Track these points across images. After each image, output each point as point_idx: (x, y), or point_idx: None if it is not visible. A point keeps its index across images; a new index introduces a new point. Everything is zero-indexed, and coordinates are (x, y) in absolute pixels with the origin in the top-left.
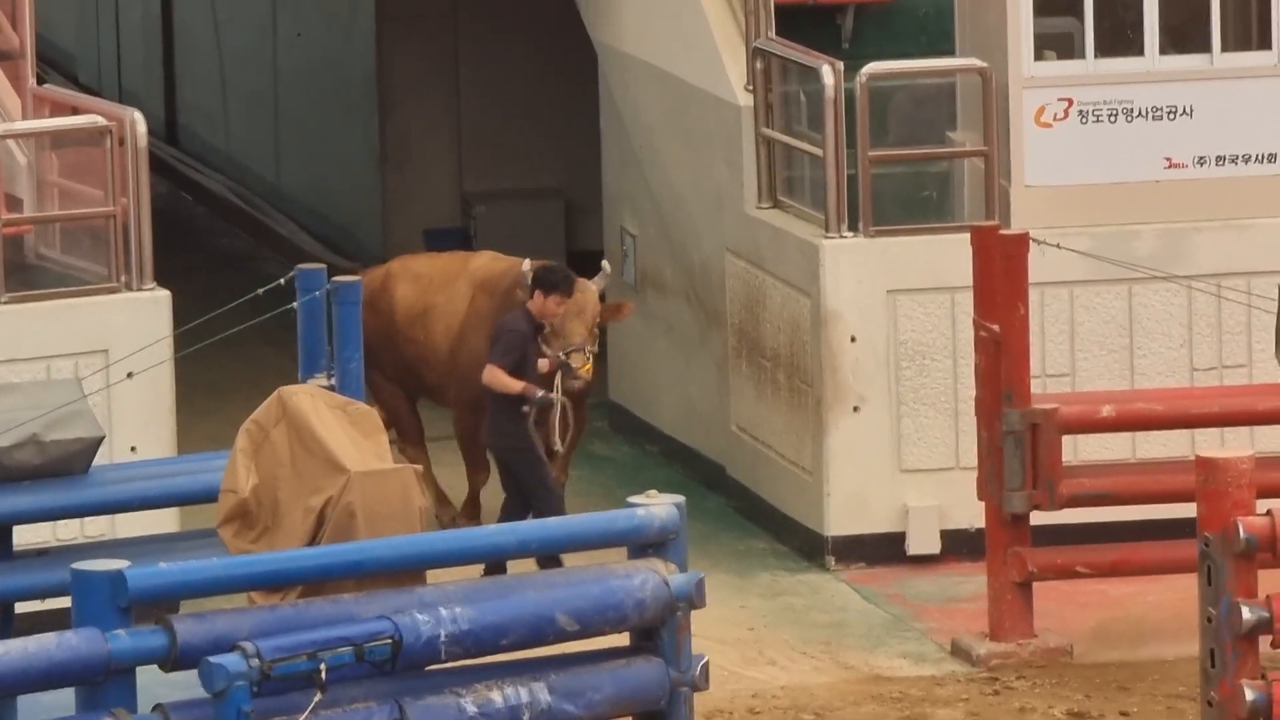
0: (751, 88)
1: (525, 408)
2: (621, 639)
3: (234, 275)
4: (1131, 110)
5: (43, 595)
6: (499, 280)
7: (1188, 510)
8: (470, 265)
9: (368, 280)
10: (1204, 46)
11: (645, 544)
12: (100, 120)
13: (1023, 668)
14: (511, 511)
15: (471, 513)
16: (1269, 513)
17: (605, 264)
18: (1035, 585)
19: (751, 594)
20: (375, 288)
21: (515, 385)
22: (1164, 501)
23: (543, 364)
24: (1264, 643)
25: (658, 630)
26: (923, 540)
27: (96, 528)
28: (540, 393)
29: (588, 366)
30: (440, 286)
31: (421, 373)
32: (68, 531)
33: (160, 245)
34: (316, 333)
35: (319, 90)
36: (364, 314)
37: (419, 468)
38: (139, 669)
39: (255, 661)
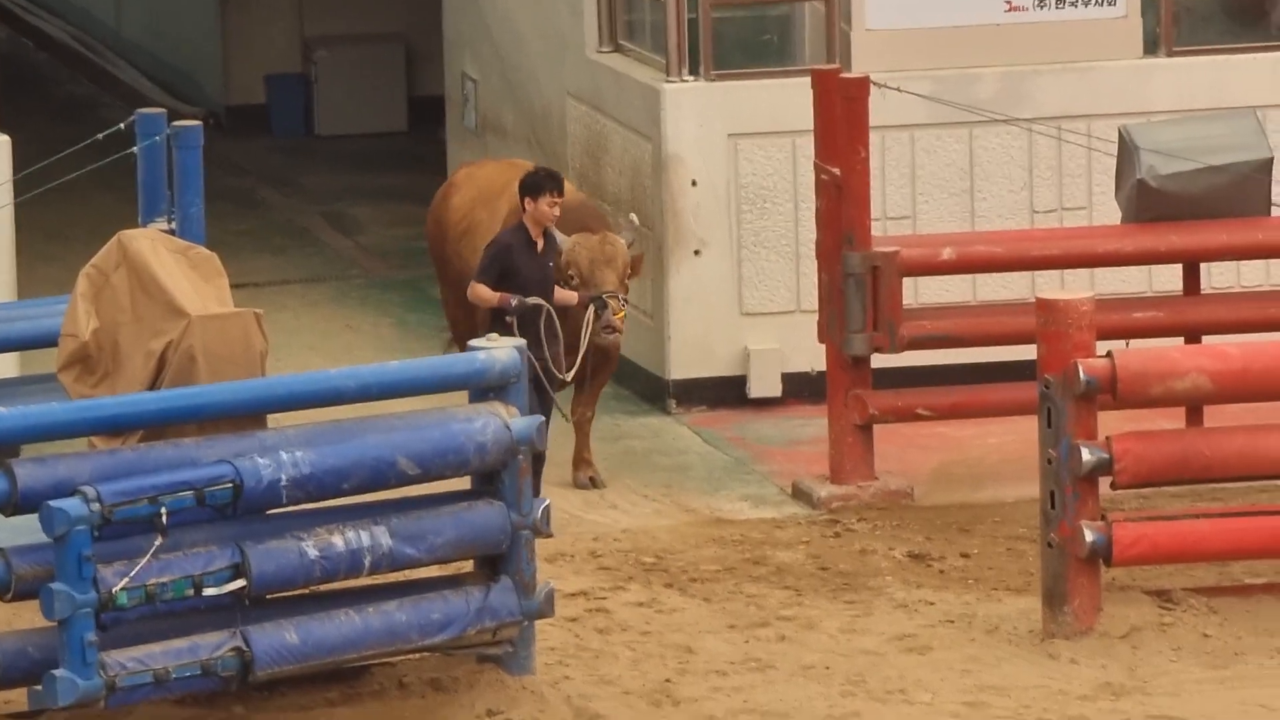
0: None
1: (507, 318)
2: (463, 483)
3: (76, 121)
4: None
5: None
6: None
7: (1028, 352)
8: (515, 178)
9: (440, 188)
10: None
11: (486, 388)
12: None
13: (863, 510)
14: None
15: (584, 460)
16: (1109, 354)
17: (634, 215)
18: (876, 428)
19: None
20: (438, 195)
21: (490, 298)
22: (1005, 344)
23: (569, 296)
24: (1103, 484)
25: (499, 474)
26: (764, 384)
27: None
28: (516, 300)
29: (621, 314)
30: (484, 201)
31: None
32: None
33: (1, 92)
34: (157, 177)
35: None
36: (431, 223)
37: (260, 311)
38: None
39: (96, 506)
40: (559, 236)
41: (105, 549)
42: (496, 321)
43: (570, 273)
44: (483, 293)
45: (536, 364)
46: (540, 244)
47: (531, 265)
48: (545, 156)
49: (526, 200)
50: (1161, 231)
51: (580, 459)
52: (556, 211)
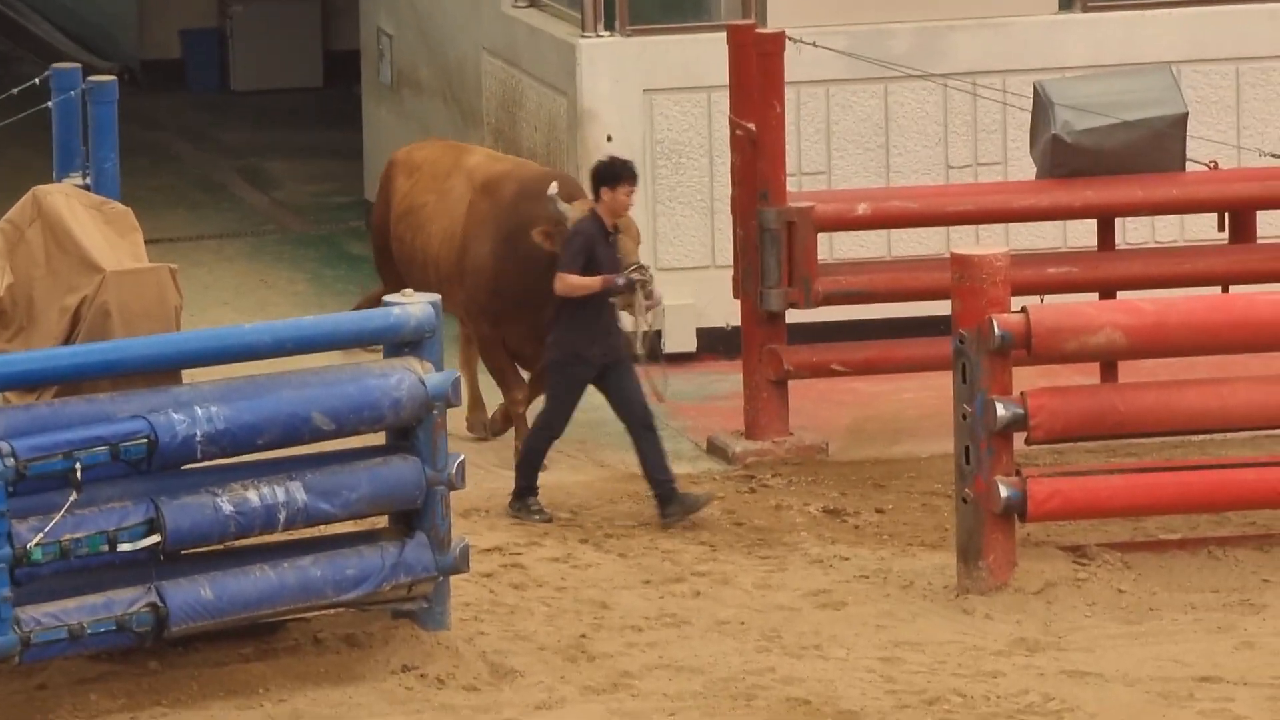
0: None
1: (612, 299)
2: (378, 438)
3: None
4: None
5: None
6: (501, 184)
7: (943, 308)
8: (466, 162)
9: (382, 171)
10: None
11: (401, 343)
12: None
13: (778, 465)
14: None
15: (497, 424)
16: (1023, 310)
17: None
18: (791, 383)
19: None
20: (384, 175)
21: (593, 282)
22: (920, 299)
23: (594, 282)
24: (1018, 440)
25: (414, 429)
26: (679, 338)
27: None
28: (621, 278)
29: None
30: (429, 184)
31: (410, 273)
32: None
33: None
34: (71, 132)
35: None
36: (377, 202)
37: (175, 266)
38: None
39: (10, 461)
40: (564, 208)
41: (20, 504)
42: (579, 307)
43: None
44: (577, 281)
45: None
46: (612, 233)
47: (608, 253)
48: (461, 112)
49: (604, 190)
50: (1076, 187)
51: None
52: (633, 201)
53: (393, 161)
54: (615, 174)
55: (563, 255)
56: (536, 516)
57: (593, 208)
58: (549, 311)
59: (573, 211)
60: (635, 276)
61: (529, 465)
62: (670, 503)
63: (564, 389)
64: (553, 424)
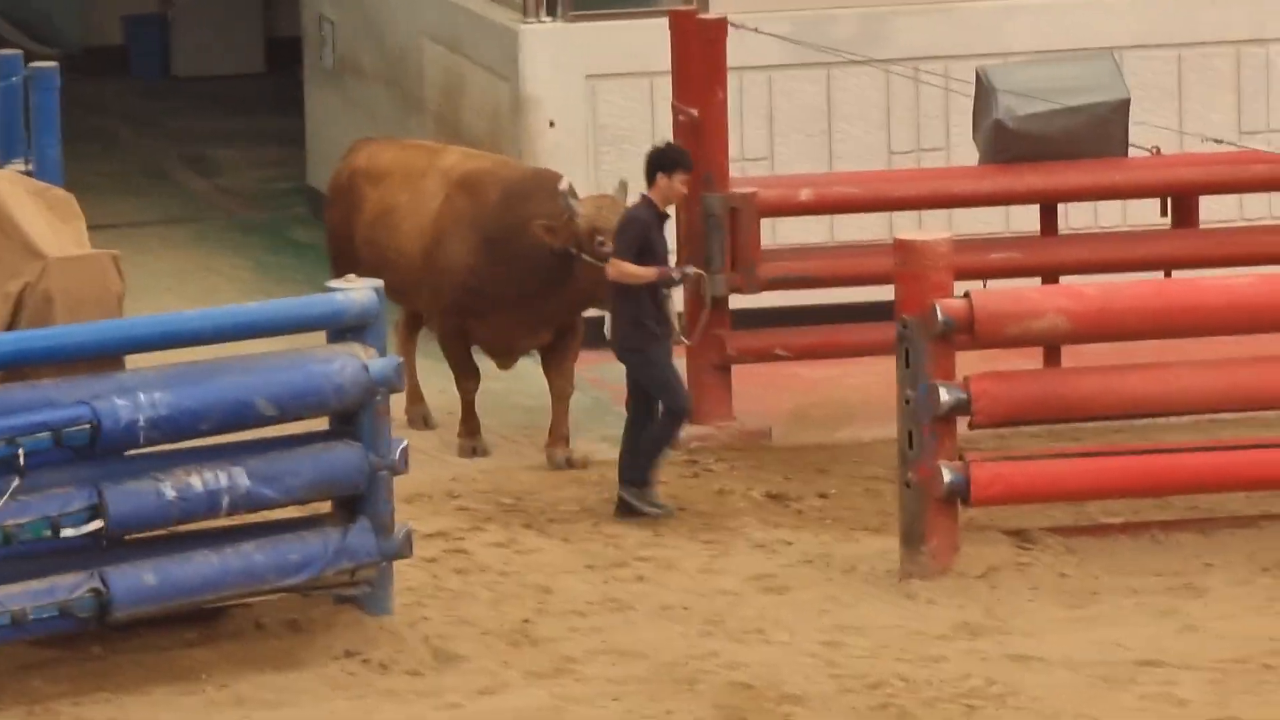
0: None
1: (665, 290)
2: (322, 423)
3: None
4: None
5: None
6: (482, 182)
7: (886, 293)
8: (441, 161)
9: (338, 171)
10: None
11: (344, 328)
12: None
13: (722, 450)
14: (637, 416)
15: (471, 428)
16: (966, 295)
17: (624, 179)
18: (734, 368)
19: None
20: (342, 182)
21: (648, 272)
22: (863, 284)
23: (650, 273)
24: (961, 424)
25: (357, 415)
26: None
27: None
28: (677, 271)
29: None
30: (402, 185)
31: (384, 275)
32: None
33: None
34: (13, 119)
35: None
36: (335, 203)
37: (117, 253)
38: None
39: None
40: (575, 204)
41: None
42: (634, 298)
43: (600, 239)
44: (631, 269)
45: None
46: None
47: (660, 240)
48: (403, 98)
49: (660, 175)
50: (1019, 172)
51: (557, 435)
52: (686, 189)
53: (354, 170)
54: (674, 161)
55: (618, 242)
56: (656, 509)
57: (645, 195)
58: (527, 310)
59: (581, 207)
60: (691, 272)
61: (651, 457)
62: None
63: (658, 372)
64: (676, 409)
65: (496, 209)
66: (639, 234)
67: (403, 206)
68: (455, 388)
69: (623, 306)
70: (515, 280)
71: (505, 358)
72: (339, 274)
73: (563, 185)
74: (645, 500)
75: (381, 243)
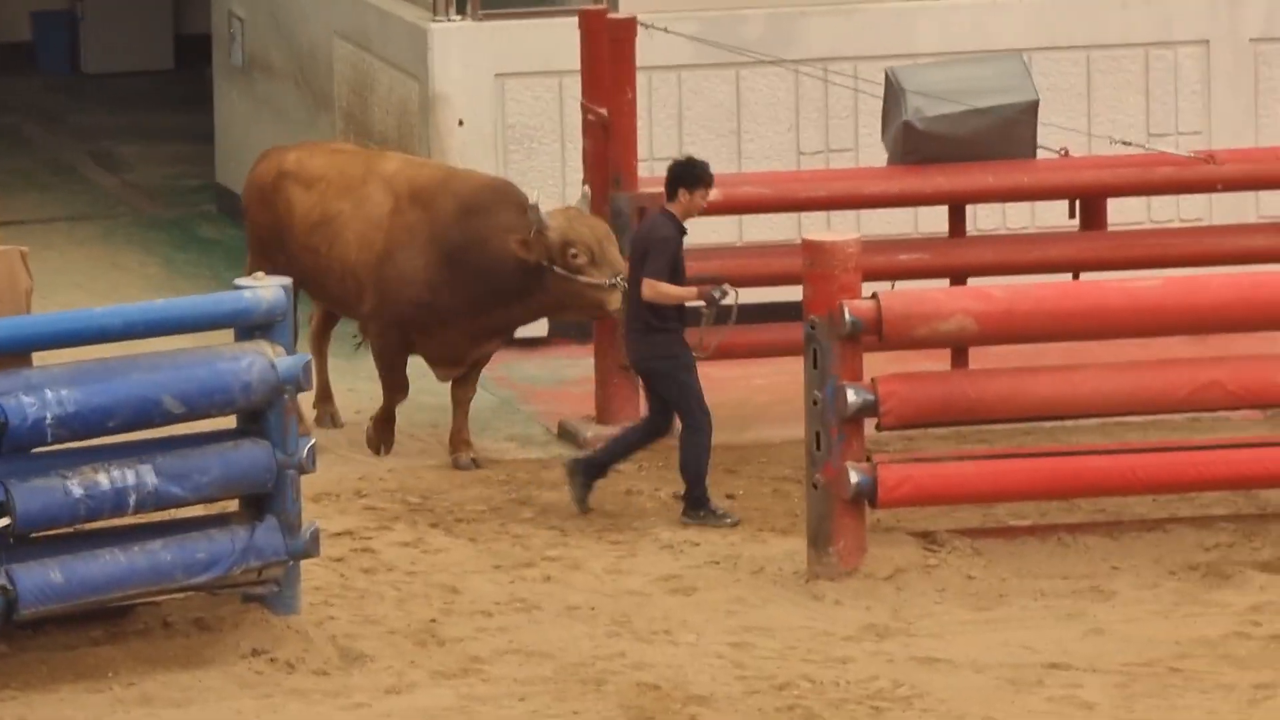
0: None
1: (706, 308)
2: (229, 421)
3: None
4: None
5: None
6: (437, 196)
7: (794, 293)
8: (381, 168)
9: (258, 175)
10: None
11: (252, 326)
12: None
13: None
14: (654, 427)
15: (385, 432)
16: (874, 296)
17: (586, 188)
18: None
19: (360, 377)
20: (266, 185)
21: (688, 292)
22: (771, 285)
23: (690, 293)
24: (869, 425)
25: (265, 413)
26: (530, 324)
27: None
28: (717, 291)
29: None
30: (341, 192)
31: (323, 283)
32: None
33: None
34: None
35: None
36: (258, 209)
37: (25, 249)
38: None
39: None
40: (545, 217)
41: None
42: (658, 315)
43: (573, 251)
44: (669, 289)
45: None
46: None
47: (682, 254)
48: (312, 95)
49: (682, 190)
50: (927, 173)
51: (460, 439)
52: (706, 204)
53: (281, 172)
54: (696, 176)
55: (652, 262)
56: (727, 520)
57: (665, 208)
58: (481, 322)
59: (551, 220)
60: (730, 290)
61: (698, 472)
62: (686, 509)
63: (682, 386)
64: (699, 423)
65: (454, 223)
66: (673, 252)
67: (345, 214)
68: (382, 395)
69: (640, 329)
70: (473, 294)
71: (449, 368)
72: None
73: (532, 199)
74: (714, 519)
75: (320, 250)
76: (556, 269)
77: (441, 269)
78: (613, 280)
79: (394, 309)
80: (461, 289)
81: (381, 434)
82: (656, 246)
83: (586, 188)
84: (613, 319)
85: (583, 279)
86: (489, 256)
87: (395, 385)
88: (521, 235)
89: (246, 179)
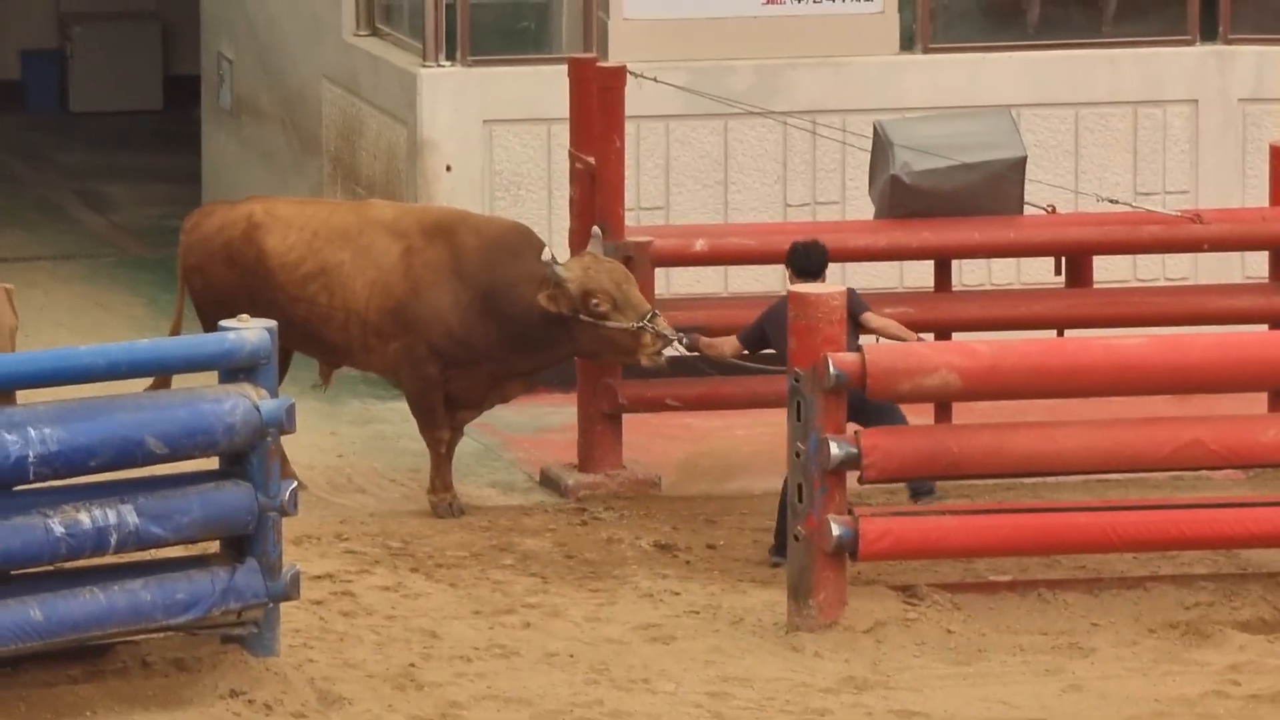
0: None
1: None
2: (212, 463)
3: None
4: None
5: None
6: (455, 230)
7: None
8: (375, 215)
9: (221, 226)
10: None
11: (236, 368)
12: None
13: (611, 499)
14: None
15: (446, 481)
16: (859, 349)
17: (597, 229)
18: (625, 417)
19: (341, 420)
20: (234, 236)
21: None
22: None
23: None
24: (851, 478)
25: (247, 455)
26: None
27: None
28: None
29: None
30: (336, 242)
31: (318, 332)
32: None
33: None
34: None
35: None
36: (216, 266)
37: (10, 287)
38: None
39: None
40: (560, 270)
41: None
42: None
43: (595, 301)
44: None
45: None
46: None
47: None
48: (300, 139)
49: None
50: (914, 228)
51: (446, 484)
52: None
53: (254, 224)
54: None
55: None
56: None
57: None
58: (509, 364)
59: (567, 271)
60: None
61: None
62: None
63: None
64: None
65: (479, 260)
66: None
67: (347, 263)
68: (426, 444)
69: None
70: (500, 335)
71: (469, 411)
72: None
73: (545, 256)
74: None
75: (319, 300)
76: (583, 317)
77: (470, 304)
78: (640, 323)
79: (429, 345)
80: (489, 329)
81: (445, 484)
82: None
83: (598, 229)
84: (646, 363)
85: (610, 325)
86: (515, 303)
87: (436, 423)
88: (552, 291)
89: (189, 239)
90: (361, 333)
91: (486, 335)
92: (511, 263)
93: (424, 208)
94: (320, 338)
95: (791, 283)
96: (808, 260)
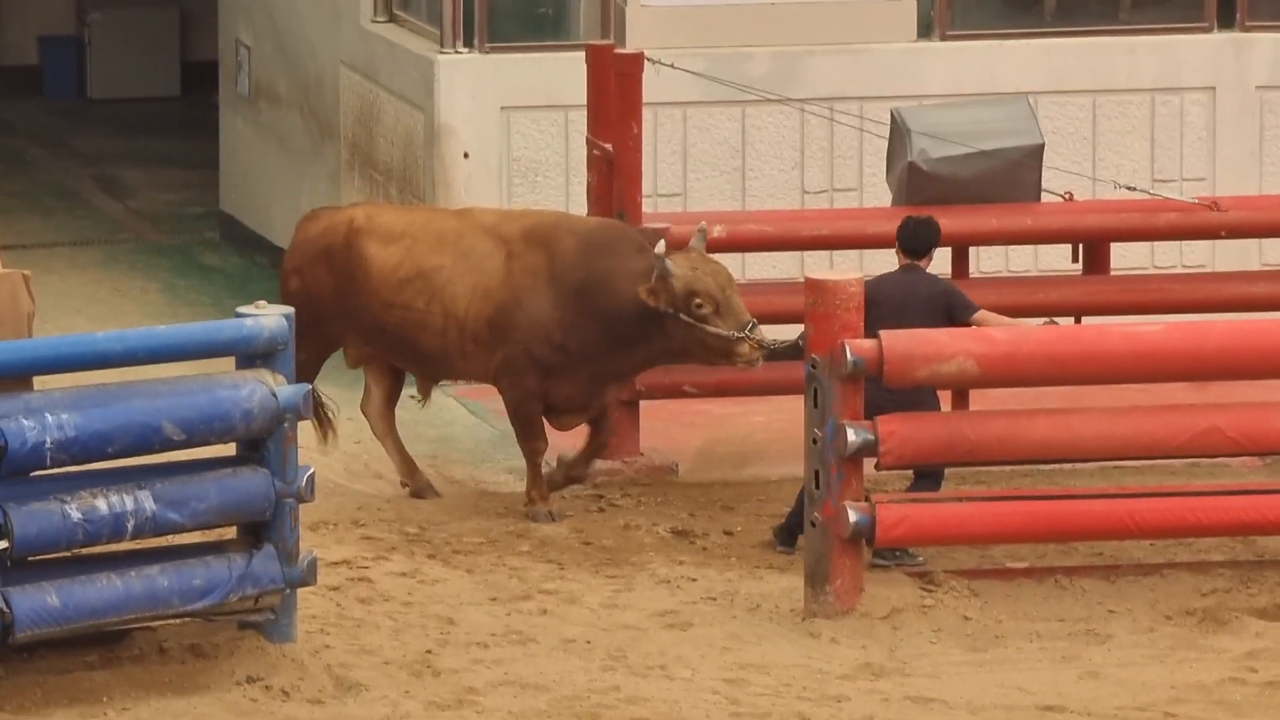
0: None
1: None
2: (229, 449)
3: None
4: None
5: None
6: (554, 235)
7: (796, 332)
8: (475, 220)
9: (324, 230)
10: None
11: (253, 355)
12: None
13: (628, 486)
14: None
15: (544, 490)
16: (876, 336)
17: (704, 224)
18: (642, 404)
19: (359, 407)
20: (336, 241)
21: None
22: (773, 323)
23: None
24: (868, 465)
25: (264, 441)
26: None
27: None
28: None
29: None
30: (435, 247)
31: (413, 339)
32: None
33: None
34: None
35: None
36: (315, 269)
37: (28, 273)
38: None
39: None
40: (670, 265)
41: None
42: None
43: (698, 302)
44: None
45: None
46: None
47: None
48: (318, 125)
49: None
50: (931, 214)
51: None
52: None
53: (355, 228)
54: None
55: (966, 297)
56: (918, 560)
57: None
58: (609, 365)
59: (675, 267)
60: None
61: None
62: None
63: None
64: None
65: (576, 260)
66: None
67: (447, 267)
68: (524, 457)
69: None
70: (595, 335)
71: (574, 415)
72: (316, 339)
73: (659, 248)
74: (908, 560)
75: (416, 305)
76: (682, 317)
77: (567, 308)
78: (739, 334)
79: (530, 354)
80: (586, 328)
81: (542, 494)
82: (955, 288)
83: (704, 224)
84: (740, 368)
85: (709, 329)
86: (610, 297)
87: (534, 434)
88: (647, 284)
89: (294, 240)
90: (460, 339)
91: (583, 335)
92: (606, 258)
93: (523, 212)
94: (416, 344)
95: (900, 262)
96: (914, 240)
